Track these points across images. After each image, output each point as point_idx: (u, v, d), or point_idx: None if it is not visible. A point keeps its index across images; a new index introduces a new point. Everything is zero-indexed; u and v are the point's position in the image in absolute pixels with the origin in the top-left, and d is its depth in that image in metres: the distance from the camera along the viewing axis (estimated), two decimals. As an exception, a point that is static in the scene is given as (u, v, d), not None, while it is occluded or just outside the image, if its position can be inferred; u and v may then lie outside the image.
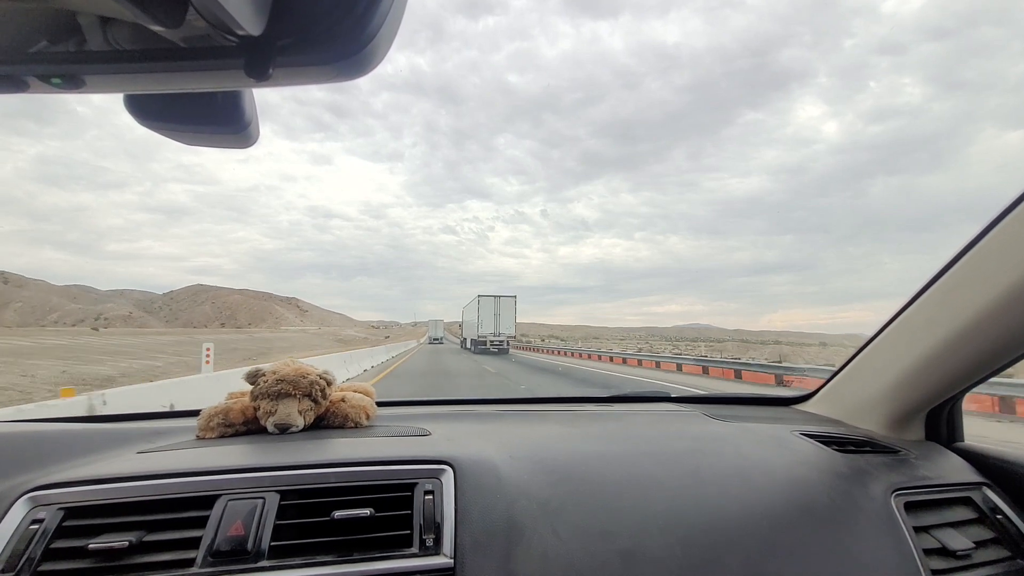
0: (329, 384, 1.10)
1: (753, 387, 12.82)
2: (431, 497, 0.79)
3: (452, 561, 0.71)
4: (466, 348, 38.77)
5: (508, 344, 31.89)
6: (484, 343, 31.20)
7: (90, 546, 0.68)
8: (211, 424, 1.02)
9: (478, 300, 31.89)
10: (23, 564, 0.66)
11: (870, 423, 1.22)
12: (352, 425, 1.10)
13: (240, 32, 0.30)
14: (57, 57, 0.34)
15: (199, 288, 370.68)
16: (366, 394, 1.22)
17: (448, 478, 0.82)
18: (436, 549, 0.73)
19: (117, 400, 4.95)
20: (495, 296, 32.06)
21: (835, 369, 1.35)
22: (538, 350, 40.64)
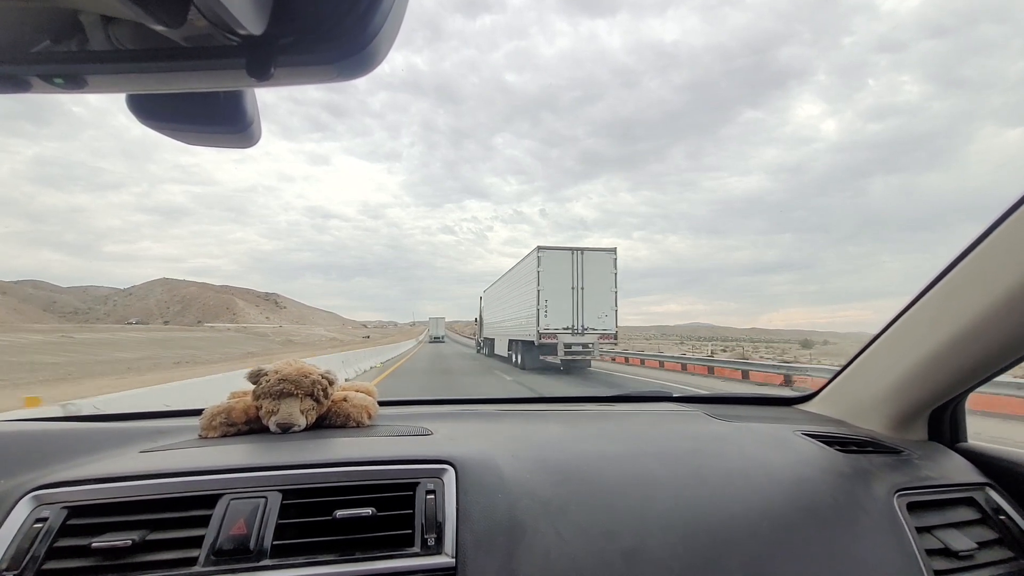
0: (331, 384, 1.10)
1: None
2: (433, 496, 0.79)
3: (454, 560, 0.71)
4: (492, 355, 23.44)
5: (594, 351, 15.23)
6: (550, 348, 14.88)
7: (93, 545, 0.68)
8: (213, 423, 1.03)
9: (538, 259, 14.90)
10: (27, 563, 0.67)
11: (873, 423, 1.21)
12: (354, 424, 1.11)
13: (242, 31, 0.30)
14: (59, 57, 0.34)
15: (162, 282, 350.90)
16: (368, 394, 1.22)
17: (450, 477, 0.82)
18: (438, 548, 0.73)
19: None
20: (574, 249, 15.06)
21: (838, 369, 1.34)
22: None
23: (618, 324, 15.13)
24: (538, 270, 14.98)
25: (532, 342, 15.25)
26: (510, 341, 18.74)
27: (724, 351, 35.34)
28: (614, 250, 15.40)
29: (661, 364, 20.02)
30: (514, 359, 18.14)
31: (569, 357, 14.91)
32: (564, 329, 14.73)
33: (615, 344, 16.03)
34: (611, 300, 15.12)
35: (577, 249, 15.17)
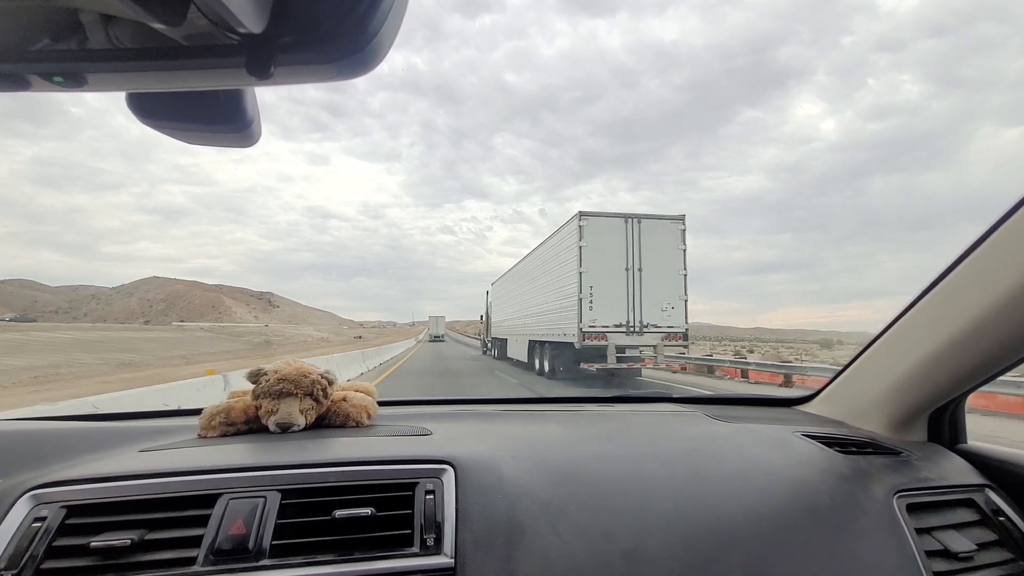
0: (331, 383, 1.10)
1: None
2: (432, 497, 0.79)
3: (453, 561, 0.71)
4: (502, 358, 19.97)
5: (659, 356, 11.50)
6: (596, 353, 11.09)
7: (92, 544, 0.68)
8: (213, 423, 1.03)
9: (580, 229, 10.96)
10: (26, 562, 0.67)
11: (872, 424, 1.21)
12: (353, 424, 1.11)
13: (242, 30, 0.30)
14: (59, 55, 0.34)
15: (152, 281, 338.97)
16: (368, 394, 1.22)
17: (449, 478, 0.82)
18: (437, 549, 0.73)
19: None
20: (629, 217, 11.24)
21: (838, 370, 1.34)
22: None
23: (688, 320, 11.14)
24: (580, 245, 10.78)
25: (570, 344, 11.17)
26: (532, 343, 14.63)
27: (751, 352, 29.15)
28: (682, 218, 11.31)
29: (743, 373, 13.68)
30: (538, 366, 13.85)
31: (623, 365, 11.06)
32: (616, 327, 10.78)
33: (685, 347, 11.68)
34: (679, 287, 11.10)
35: (632, 217, 11.14)
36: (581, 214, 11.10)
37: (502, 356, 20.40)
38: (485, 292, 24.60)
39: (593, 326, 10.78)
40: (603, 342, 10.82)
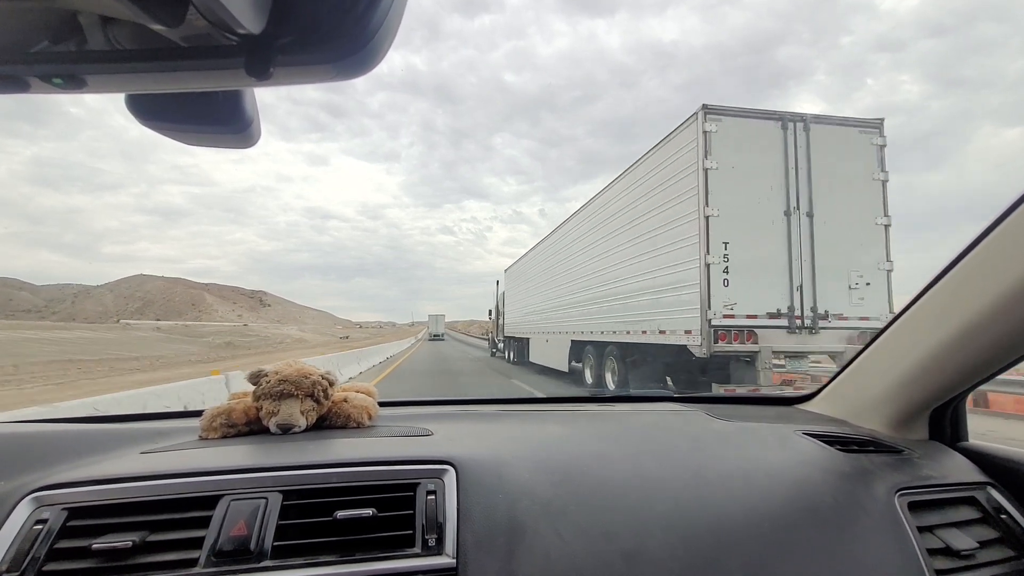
0: (331, 384, 1.10)
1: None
2: (433, 497, 0.79)
3: (454, 561, 0.71)
4: (521, 363, 15.73)
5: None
6: (734, 363, 6.40)
7: (94, 546, 0.68)
8: (214, 424, 1.03)
9: (704, 137, 5.61)
10: (27, 564, 0.67)
11: (874, 422, 1.21)
12: (354, 425, 1.11)
13: (241, 31, 0.30)
14: (58, 57, 0.34)
15: (136, 278, 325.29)
16: (368, 394, 1.23)
17: (450, 478, 0.82)
18: (438, 549, 0.73)
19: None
20: (787, 119, 5.85)
21: (839, 368, 1.34)
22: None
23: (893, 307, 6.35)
24: (706, 166, 6.08)
25: (676, 348, 6.75)
26: (580, 345, 10.08)
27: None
28: (879, 124, 6.51)
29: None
30: (590, 378, 9.48)
31: (784, 392, 5.38)
32: (772, 317, 6.22)
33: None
34: (878, 246, 6.48)
35: (795, 119, 6.37)
36: (707, 108, 6.16)
37: (521, 360, 15.76)
38: (495, 282, 19.51)
39: (731, 315, 6.09)
40: (750, 345, 6.16)
